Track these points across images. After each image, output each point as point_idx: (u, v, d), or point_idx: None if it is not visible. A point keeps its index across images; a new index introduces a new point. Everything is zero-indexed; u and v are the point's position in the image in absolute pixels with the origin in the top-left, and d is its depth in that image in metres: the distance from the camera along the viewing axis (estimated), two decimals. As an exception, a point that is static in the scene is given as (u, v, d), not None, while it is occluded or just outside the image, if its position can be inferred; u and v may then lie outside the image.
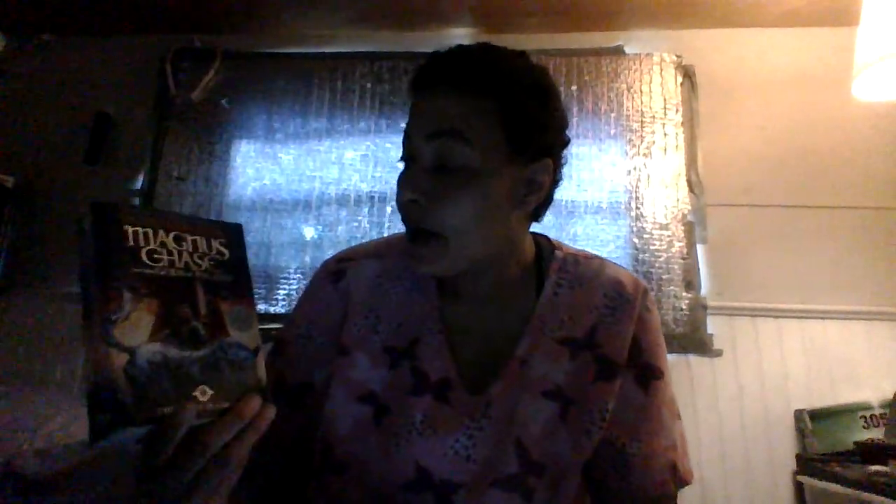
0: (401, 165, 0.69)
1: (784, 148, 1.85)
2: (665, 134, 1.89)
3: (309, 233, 1.94)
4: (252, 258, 1.91)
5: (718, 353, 1.71)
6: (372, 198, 1.95)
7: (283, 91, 2.05)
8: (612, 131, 1.91)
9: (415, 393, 0.69)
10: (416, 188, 0.65)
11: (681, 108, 1.91)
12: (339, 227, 1.93)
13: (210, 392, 0.49)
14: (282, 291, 1.89)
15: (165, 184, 2.00)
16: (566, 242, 0.81)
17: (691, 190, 1.84)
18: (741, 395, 1.68)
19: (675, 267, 1.79)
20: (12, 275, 1.95)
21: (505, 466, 0.65)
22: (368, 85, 2.03)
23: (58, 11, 2.05)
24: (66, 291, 1.87)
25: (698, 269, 1.78)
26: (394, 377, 0.70)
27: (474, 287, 0.73)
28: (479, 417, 0.67)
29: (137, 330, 0.47)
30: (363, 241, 0.89)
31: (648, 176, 1.87)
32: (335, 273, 0.78)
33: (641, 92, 1.94)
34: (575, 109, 1.91)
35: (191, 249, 0.53)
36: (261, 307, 1.87)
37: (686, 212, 1.83)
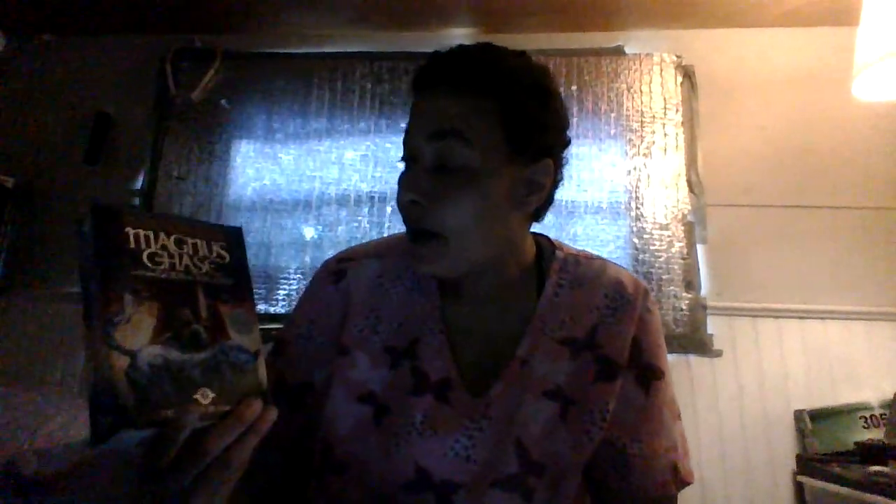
0: (401, 165, 0.69)
1: (784, 148, 1.85)
2: (665, 134, 1.89)
3: (309, 233, 1.94)
4: (252, 258, 1.91)
5: (718, 354, 1.71)
6: (372, 198, 1.95)
7: (283, 91, 2.05)
8: (612, 131, 1.91)
9: (415, 393, 0.69)
10: (416, 189, 0.65)
11: (681, 108, 1.91)
12: (339, 228, 1.93)
13: (211, 395, 0.49)
14: (282, 292, 1.89)
15: (165, 184, 2.00)
16: (566, 242, 0.81)
17: (691, 190, 1.84)
18: (741, 395, 1.68)
19: (675, 267, 1.79)
20: (12, 275, 1.95)
21: (505, 466, 0.65)
22: (368, 85, 2.03)
23: (58, 11, 2.05)
24: (66, 291, 1.87)
25: (698, 270, 1.78)
26: (394, 377, 0.70)
27: (475, 287, 0.73)
28: (479, 418, 0.67)
29: (138, 333, 0.47)
30: (363, 241, 0.89)
31: (648, 176, 1.87)
32: (336, 273, 0.78)
33: (641, 92, 1.94)
34: (575, 109, 1.91)
35: (191, 252, 0.53)
36: (261, 307, 1.87)
37: (686, 212, 1.83)
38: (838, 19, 1.81)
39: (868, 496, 1.26)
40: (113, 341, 0.45)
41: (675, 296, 1.76)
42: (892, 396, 1.59)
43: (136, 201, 2.00)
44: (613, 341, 0.71)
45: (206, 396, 0.48)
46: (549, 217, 0.76)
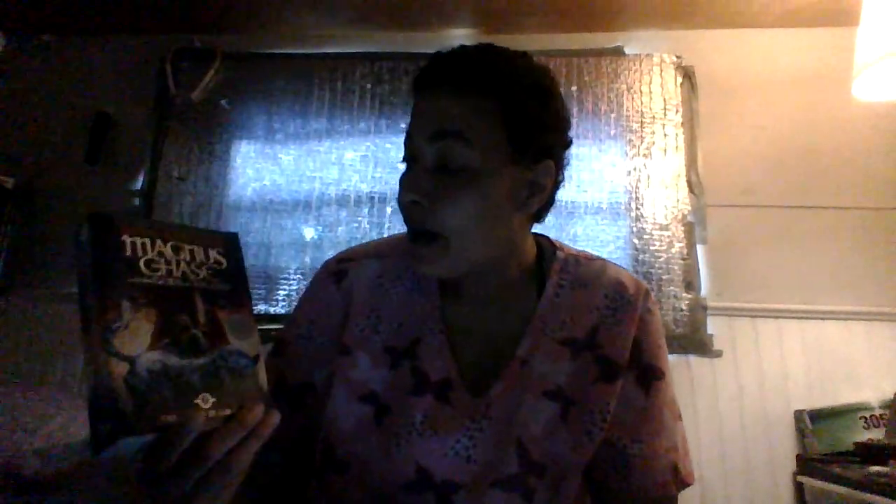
0: (402, 166, 0.69)
1: (784, 148, 1.85)
2: (665, 134, 1.89)
3: (309, 233, 1.94)
4: (252, 259, 1.91)
5: (718, 354, 1.71)
6: (372, 198, 1.95)
7: (283, 91, 2.05)
8: (612, 132, 1.91)
9: (415, 393, 0.69)
10: (417, 189, 0.65)
11: (681, 109, 1.91)
12: (339, 228, 1.93)
13: (212, 400, 0.49)
14: (282, 292, 1.89)
15: (165, 184, 2.00)
16: (566, 243, 0.81)
17: (691, 190, 1.84)
18: (741, 395, 1.68)
19: (675, 267, 1.79)
20: (12, 275, 1.95)
21: (505, 467, 0.65)
22: (368, 85, 2.03)
23: (58, 11, 2.05)
24: (66, 292, 1.87)
25: (698, 270, 1.78)
26: (394, 377, 0.70)
27: (475, 287, 0.73)
28: (479, 418, 0.67)
29: (137, 339, 0.47)
30: (363, 241, 0.89)
31: (648, 176, 1.87)
32: (336, 273, 0.78)
33: (641, 92, 1.94)
34: (575, 110, 1.91)
35: (188, 259, 0.53)
36: (261, 308, 1.87)
37: (686, 212, 1.83)
38: (838, 19, 1.81)
39: (868, 496, 1.27)
40: (111, 348, 0.45)
41: (675, 296, 1.76)
42: (892, 396, 1.59)
43: (136, 201, 2.00)
44: (614, 342, 0.71)
45: (206, 401, 0.48)
46: (549, 217, 0.76)
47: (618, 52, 1.98)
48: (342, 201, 1.95)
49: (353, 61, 2.05)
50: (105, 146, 2.03)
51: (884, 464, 1.35)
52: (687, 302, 1.76)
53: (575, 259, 0.77)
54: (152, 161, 2.02)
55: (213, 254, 0.55)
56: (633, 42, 1.99)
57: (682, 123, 1.89)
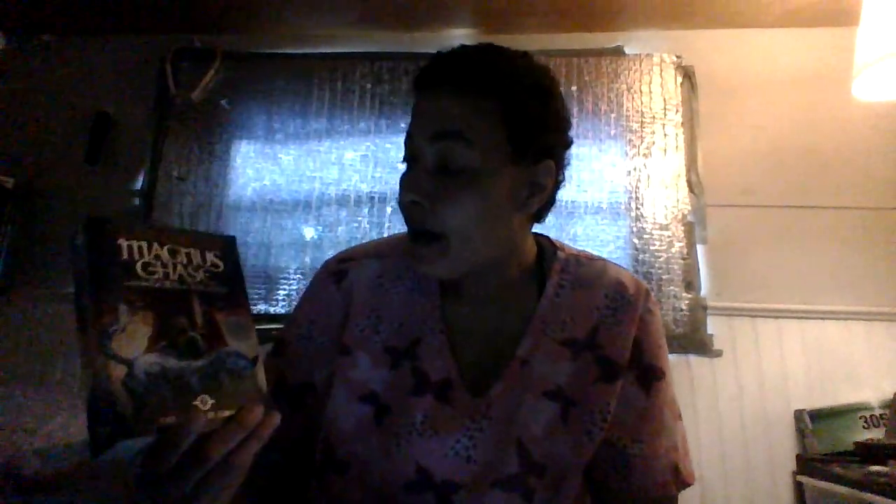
0: (402, 166, 0.69)
1: (784, 148, 1.85)
2: (665, 134, 1.89)
3: (309, 233, 1.94)
4: (252, 258, 1.91)
5: (718, 354, 1.71)
6: (372, 198, 1.95)
7: (283, 91, 2.05)
8: (612, 132, 1.91)
9: (416, 393, 0.69)
10: (418, 190, 0.65)
11: (681, 109, 1.91)
12: (339, 228, 1.93)
13: (210, 401, 0.49)
14: (282, 292, 1.89)
15: (165, 184, 2.00)
16: (567, 243, 0.81)
17: (691, 190, 1.84)
18: (741, 395, 1.68)
19: (675, 267, 1.79)
20: (12, 275, 1.94)
21: (506, 467, 0.65)
22: (368, 85, 2.03)
23: (58, 11, 2.04)
24: (66, 292, 1.87)
25: (698, 270, 1.78)
26: (395, 377, 0.70)
27: (476, 287, 0.73)
28: (479, 418, 0.67)
29: (134, 342, 0.47)
30: (363, 241, 0.89)
31: (648, 176, 1.87)
32: (336, 273, 0.78)
33: (641, 92, 1.94)
34: (575, 110, 1.91)
35: (185, 262, 0.53)
36: (261, 307, 1.87)
37: (686, 212, 1.83)
38: (838, 19, 1.81)
39: (868, 496, 1.27)
40: (109, 351, 0.45)
41: (675, 296, 1.76)
42: (892, 396, 1.59)
43: (136, 201, 2.00)
44: (614, 342, 0.71)
45: (205, 403, 0.48)
46: (550, 217, 0.76)
47: (618, 52, 1.98)
48: (342, 201, 1.95)
49: (353, 61, 2.05)
50: (105, 146, 2.03)
51: (884, 464, 1.35)
52: (687, 302, 1.76)
53: (575, 259, 0.77)
54: (152, 161, 2.02)
55: (209, 256, 0.55)
56: (633, 42, 1.99)
57: (682, 123, 1.89)
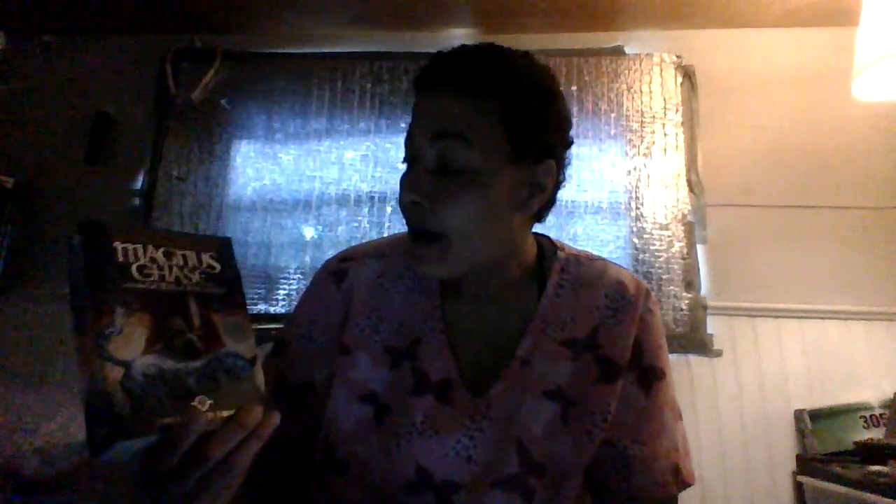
0: (403, 166, 0.69)
1: (784, 148, 1.85)
2: (665, 134, 1.89)
3: (309, 233, 1.94)
4: (252, 258, 1.91)
5: (718, 353, 1.71)
6: (372, 198, 1.95)
7: (283, 91, 2.05)
8: (612, 131, 1.91)
9: (416, 393, 0.69)
10: (418, 190, 0.65)
11: (681, 108, 1.91)
12: (339, 228, 1.93)
13: (209, 402, 0.49)
14: (282, 291, 1.89)
15: (165, 184, 2.00)
16: (567, 243, 0.81)
17: (691, 190, 1.84)
18: (741, 395, 1.68)
19: (675, 267, 1.79)
20: (12, 275, 1.94)
21: (506, 467, 0.65)
22: (368, 85, 2.03)
23: (58, 11, 2.04)
24: (66, 292, 1.82)
25: (698, 269, 1.78)
26: (395, 377, 0.70)
27: (476, 287, 0.73)
28: (479, 418, 0.67)
29: (131, 344, 0.47)
30: (363, 241, 0.89)
31: (648, 176, 1.87)
32: (337, 273, 0.78)
33: (641, 92, 1.94)
34: (575, 109, 1.91)
35: (181, 264, 0.53)
36: (261, 307, 1.87)
37: (686, 212, 1.83)
38: (838, 19, 1.81)
39: (868, 496, 1.27)
40: (106, 353, 0.45)
41: (675, 296, 1.76)
42: (892, 396, 1.59)
43: (136, 201, 2.00)
44: (614, 342, 0.71)
45: (203, 404, 0.48)
46: (550, 217, 0.76)
47: (618, 52, 1.98)
48: (342, 201, 1.95)
49: (353, 61, 2.05)
50: (105, 146, 2.03)
51: (884, 463, 1.35)
52: (687, 301, 1.76)
53: (576, 259, 0.77)
54: (152, 161, 2.02)
55: (205, 258, 0.55)
56: (633, 42, 1.99)
57: (682, 123, 1.89)
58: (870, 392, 1.64)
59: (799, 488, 1.58)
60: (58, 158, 2.05)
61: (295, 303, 0.79)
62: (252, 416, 0.50)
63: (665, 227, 1.82)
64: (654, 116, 1.91)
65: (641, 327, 0.72)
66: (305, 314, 0.77)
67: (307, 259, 1.91)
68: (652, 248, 1.81)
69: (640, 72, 1.95)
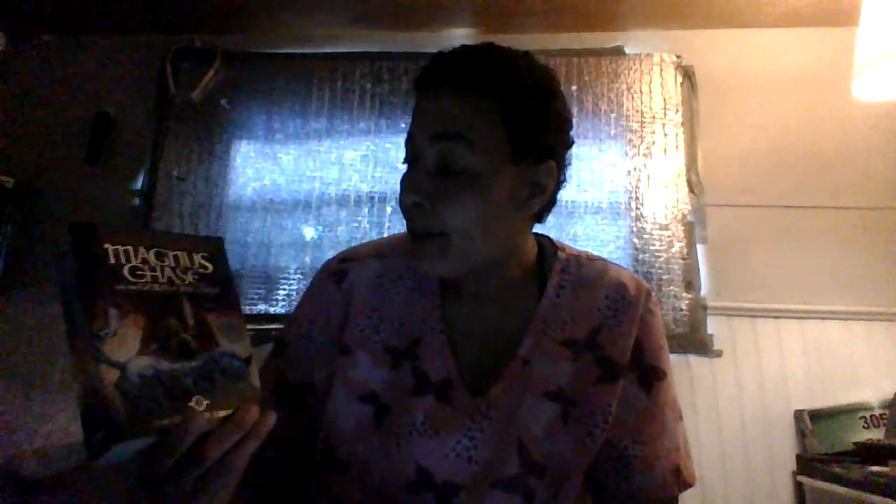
0: (403, 166, 0.69)
1: (784, 148, 1.85)
2: (665, 134, 1.89)
3: (309, 233, 1.94)
4: (252, 258, 1.91)
5: (718, 354, 1.71)
6: (372, 198, 1.95)
7: (283, 91, 2.05)
8: (612, 131, 1.91)
9: (416, 393, 0.69)
10: (419, 191, 0.65)
11: (681, 109, 1.91)
12: (339, 228, 1.93)
13: (205, 402, 0.49)
14: (282, 292, 1.89)
15: (165, 184, 2.00)
16: (567, 243, 0.81)
17: (691, 190, 1.84)
18: (741, 395, 1.68)
19: (675, 267, 1.79)
20: (12, 275, 1.94)
21: (506, 467, 0.65)
22: (368, 85, 2.03)
23: (58, 11, 2.04)
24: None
25: (698, 270, 1.78)
26: (395, 377, 0.70)
27: (476, 287, 0.73)
28: (479, 418, 0.67)
29: (125, 345, 0.47)
30: (363, 241, 0.89)
31: (648, 176, 1.87)
32: (337, 273, 0.78)
33: (641, 92, 1.94)
34: (575, 110, 1.91)
35: (173, 264, 0.53)
36: (261, 307, 1.87)
37: (686, 212, 1.83)
38: (838, 19, 1.81)
39: (868, 496, 1.26)
40: (101, 355, 0.45)
41: (675, 296, 1.76)
42: (892, 396, 1.59)
43: (137, 201, 2.00)
44: (615, 342, 0.71)
45: (199, 404, 0.48)
46: (550, 217, 0.76)
47: (618, 52, 1.98)
48: (342, 201, 1.95)
49: (353, 61, 2.05)
50: (105, 146, 2.03)
51: (884, 464, 1.35)
52: (687, 302, 1.76)
53: (576, 259, 0.77)
54: (152, 161, 2.02)
55: (198, 258, 0.55)
56: (633, 42, 1.99)
57: (682, 123, 1.89)
58: (870, 392, 1.64)
59: (799, 488, 1.58)
60: (58, 158, 2.05)
61: (295, 303, 0.79)
62: (249, 415, 0.50)
63: (665, 228, 1.82)
64: (654, 116, 1.91)
65: (642, 328, 0.72)
66: (305, 314, 0.77)
67: (307, 259, 1.91)
68: (652, 248, 1.81)
69: (640, 72, 1.95)
